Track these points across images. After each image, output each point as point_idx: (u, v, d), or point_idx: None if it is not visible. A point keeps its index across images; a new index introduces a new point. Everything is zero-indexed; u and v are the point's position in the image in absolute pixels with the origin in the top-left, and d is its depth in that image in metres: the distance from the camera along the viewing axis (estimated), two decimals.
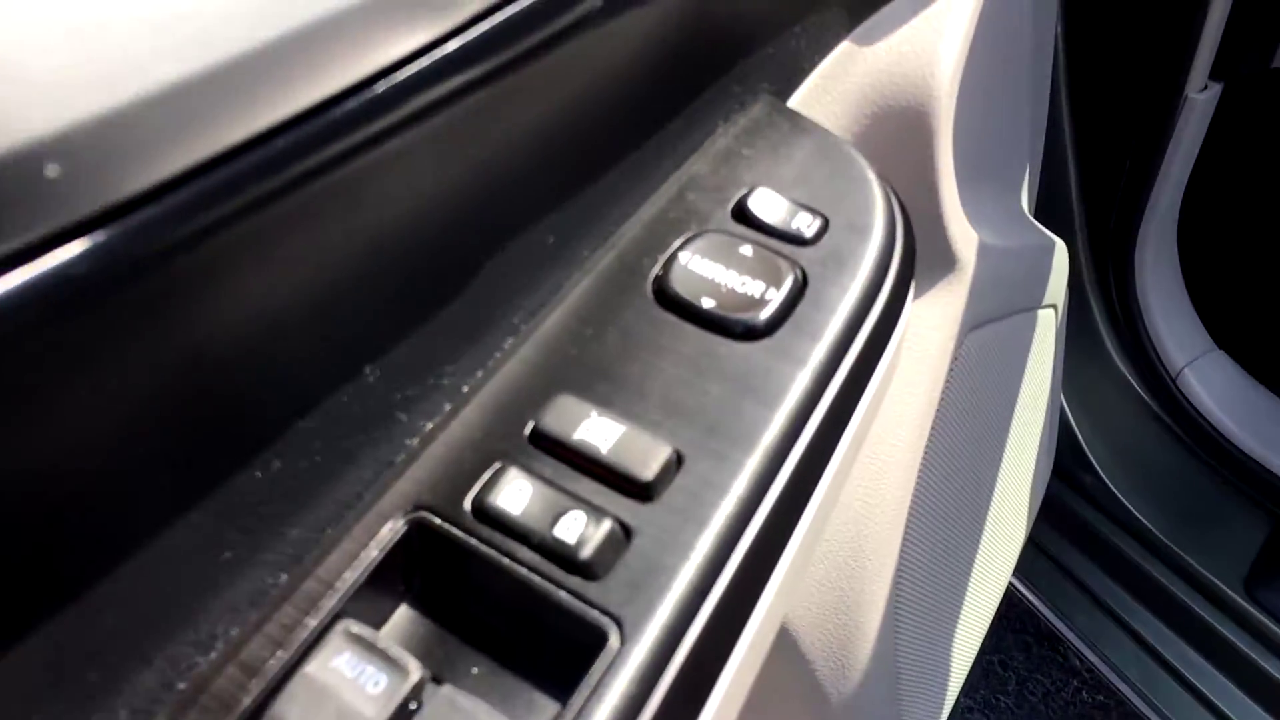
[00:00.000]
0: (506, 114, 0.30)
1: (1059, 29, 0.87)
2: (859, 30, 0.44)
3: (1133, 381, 1.07)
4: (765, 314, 0.33)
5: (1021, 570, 1.15)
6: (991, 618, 0.81)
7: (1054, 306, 0.72)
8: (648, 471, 0.29)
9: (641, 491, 0.29)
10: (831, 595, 0.52)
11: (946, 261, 0.50)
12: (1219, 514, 1.05)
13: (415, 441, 0.31)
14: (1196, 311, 1.07)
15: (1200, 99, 0.89)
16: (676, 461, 0.30)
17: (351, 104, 0.24)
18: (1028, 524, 0.82)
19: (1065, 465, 1.09)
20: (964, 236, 0.50)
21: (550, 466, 0.30)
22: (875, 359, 0.35)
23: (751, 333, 0.33)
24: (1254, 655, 0.95)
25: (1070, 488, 1.10)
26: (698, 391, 0.32)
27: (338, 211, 0.25)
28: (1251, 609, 0.97)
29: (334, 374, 0.28)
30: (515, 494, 0.29)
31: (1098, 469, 1.06)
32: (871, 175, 0.37)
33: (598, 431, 0.30)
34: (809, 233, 0.35)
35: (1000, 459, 0.69)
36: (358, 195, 0.26)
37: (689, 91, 0.38)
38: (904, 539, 0.56)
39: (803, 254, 0.35)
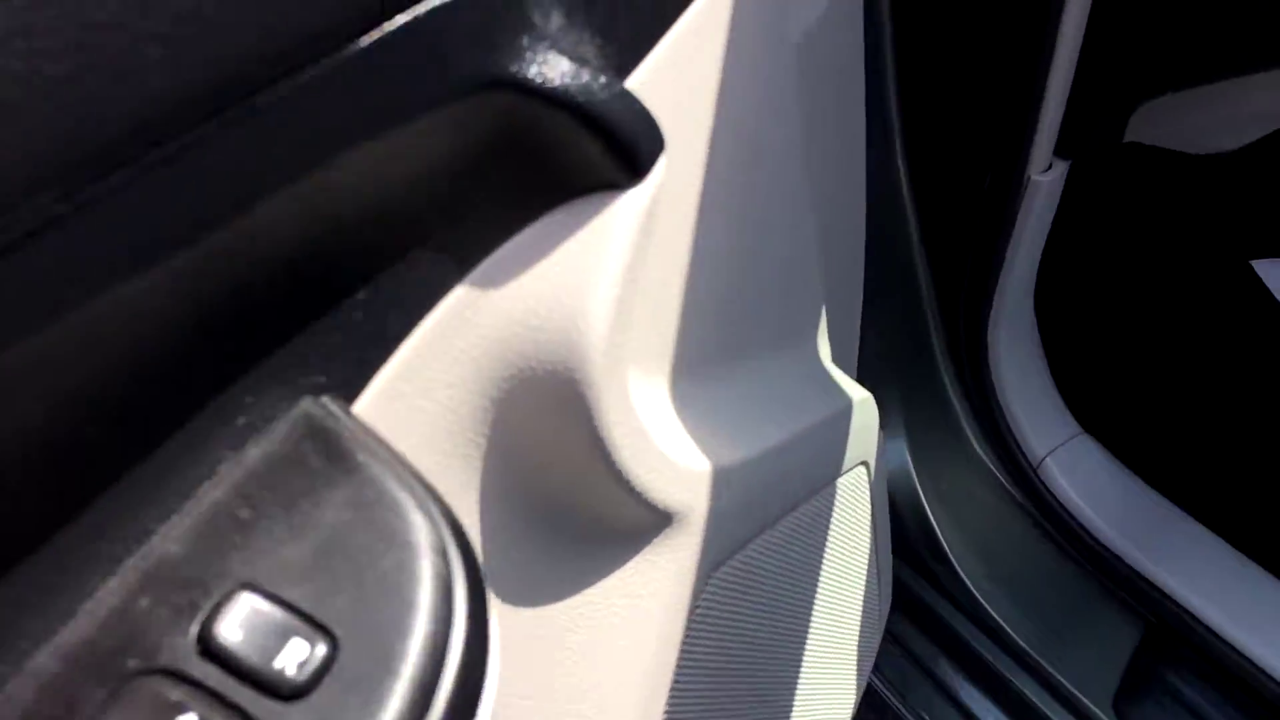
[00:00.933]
0: None
1: (896, 113, 0.76)
2: (476, 273, 0.31)
3: (995, 471, 0.97)
4: None
5: (879, 667, 1.06)
6: None
7: (864, 464, 0.61)
8: None
9: None
10: None
11: (658, 519, 0.39)
12: (1086, 618, 0.96)
13: None
14: (1062, 395, 0.98)
15: (1045, 180, 0.79)
16: None
17: None
18: (859, 681, 0.72)
19: (922, 561, 0.99)
20: (680, 481, 0.39)
21: None
22: None
23: None
24: None
25: (929, 584, 1.00)
26: None
27: None
28: None
29: None
30: None
31: (955, 566, 0.96)
32: (424, 542, 0.25)
33: None
34: (300, 675, 0.23)
35: (800, 655, 0.58)
36: None
37: (178, 412, 0.25)
38: None
39: (287, 716, 0.23)
